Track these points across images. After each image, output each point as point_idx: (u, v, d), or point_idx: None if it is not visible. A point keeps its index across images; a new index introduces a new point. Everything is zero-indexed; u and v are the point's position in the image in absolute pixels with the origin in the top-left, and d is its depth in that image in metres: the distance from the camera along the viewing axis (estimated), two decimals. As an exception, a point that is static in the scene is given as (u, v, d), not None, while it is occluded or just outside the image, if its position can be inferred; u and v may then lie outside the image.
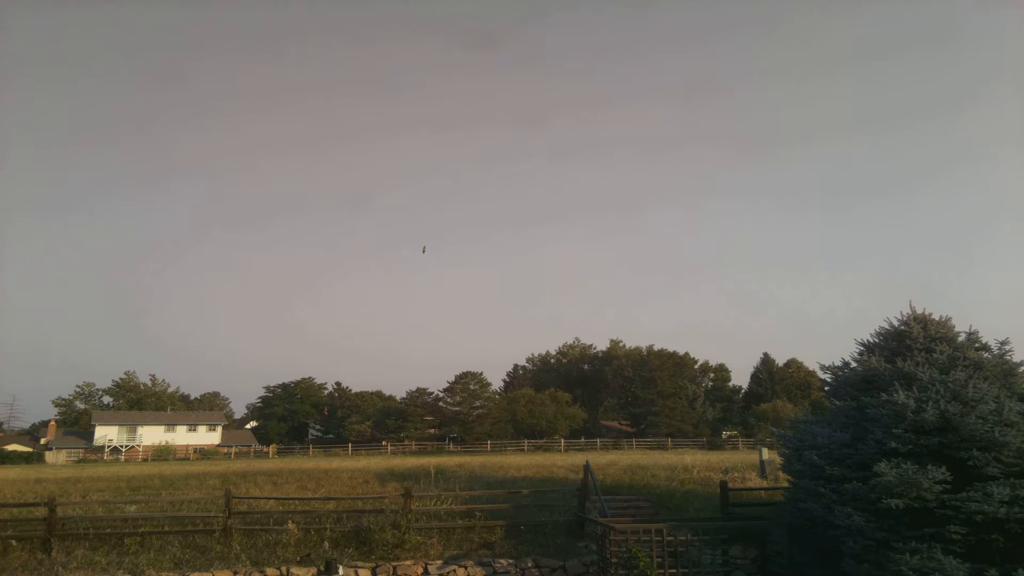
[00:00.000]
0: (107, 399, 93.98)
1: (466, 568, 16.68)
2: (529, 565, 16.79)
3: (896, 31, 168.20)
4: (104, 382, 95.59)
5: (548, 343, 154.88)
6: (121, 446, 78.22)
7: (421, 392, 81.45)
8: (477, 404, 78.59)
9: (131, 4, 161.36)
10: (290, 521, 18.33)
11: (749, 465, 27.78)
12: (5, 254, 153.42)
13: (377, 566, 16.53)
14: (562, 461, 35.48)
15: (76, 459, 72.34)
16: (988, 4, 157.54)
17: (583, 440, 72.69)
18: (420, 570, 16.59)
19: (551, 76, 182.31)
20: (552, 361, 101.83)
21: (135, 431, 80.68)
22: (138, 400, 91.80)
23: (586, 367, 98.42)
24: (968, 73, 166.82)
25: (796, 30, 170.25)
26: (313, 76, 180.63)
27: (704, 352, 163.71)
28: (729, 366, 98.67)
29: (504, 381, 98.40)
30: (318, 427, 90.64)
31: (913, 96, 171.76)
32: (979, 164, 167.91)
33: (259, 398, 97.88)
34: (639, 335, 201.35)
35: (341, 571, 15.57)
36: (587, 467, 20.21)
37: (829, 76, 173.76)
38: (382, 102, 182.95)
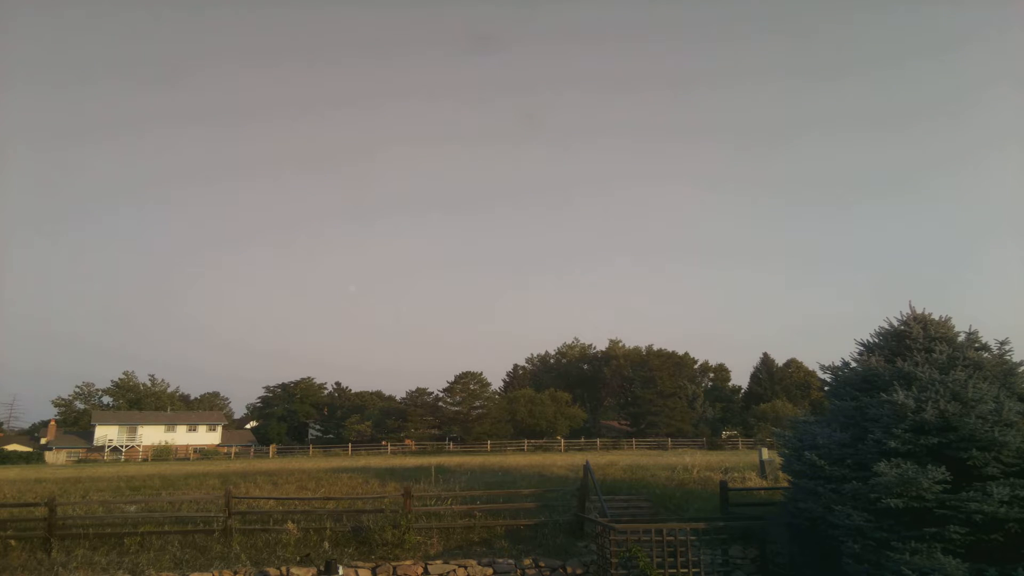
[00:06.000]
0: (107, 399, 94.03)
1: (466, 568, 16.67)
2: (529, 565, 16.79)
3: (899, 32, 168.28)
4: (104, 382, 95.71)
5: (548, 343, 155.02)
6: (121, 446, 78.23)
7: (421, 392, 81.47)
8: (477, 404, 78.64)
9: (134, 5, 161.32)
10: (290, 521, 18.34)
11: (749, 465, 27.79)
12: (5, 254, 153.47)
13: (377, 566, 16.53)
14: (562, 461, 35.54)
15: (76, 459, 72.39)
16: (990, 5, 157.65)
17: (583, 440, 72.73)
18: (420, 570, 16.59)
19: (551, 68, 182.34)
20: (552, 361, 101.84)
21: (135, 431, 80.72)
22: (138, 400, 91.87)
23: (586, 367, 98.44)
24: (969, 75, 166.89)
25: (801, 28, 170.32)
26: (308, 77, 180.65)
27: (704, 352, 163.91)
28: (729, 366, 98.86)
29: (504, 381, 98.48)
30: (318, 427, 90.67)
31: (915, 97, 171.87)
32: (980, 165, 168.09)
33: (259, 398, 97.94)
34: (638, 335, 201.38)
35: (341, 571, 15.56)
36: (587, 467, 20.21)
37: (832, 75, 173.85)
38: (383, 105, 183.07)
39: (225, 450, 75.31)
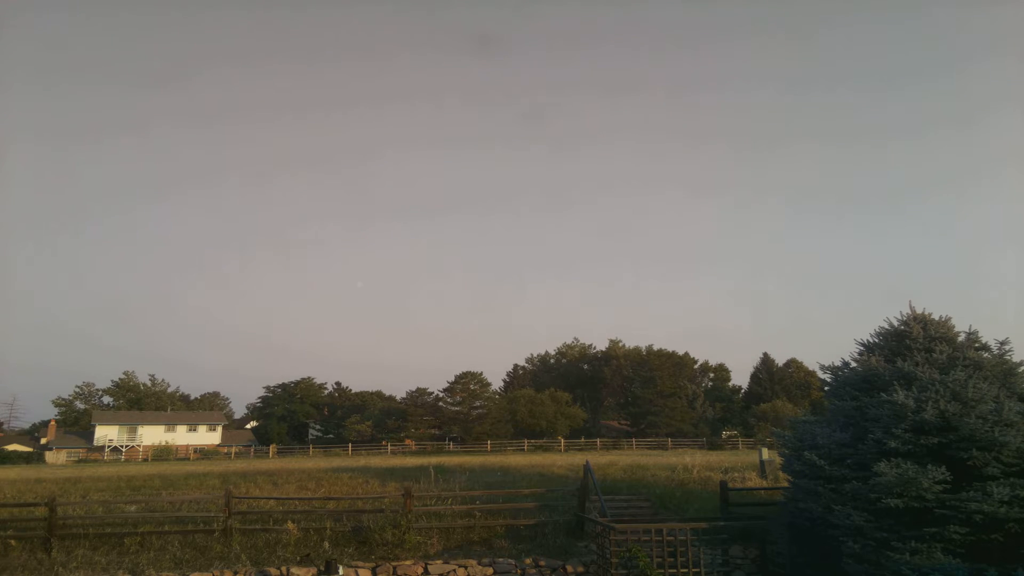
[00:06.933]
0: (107, 399, 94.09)
1: (466, 568, 16.67)
2: (529, 564, 16.80)
3: (903, 43, 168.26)
4: (104, 382, 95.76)
5: (548, 343, 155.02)
6: (121, 446, 78.28)
7: (421, 392, 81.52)
8: (477, 404, 78.66)
9: (137, 7, 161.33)
10: (290, 521, 18.35)
11: (749, 465, 27.79)
12: (5, 253, 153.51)
13: (377, 566, 16.54)
14: (562, 461, 35.54)
15: (76, 459, 72.42)
16: (993, 24, 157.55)
17: (583, 440, 72.72)
18: (420, 570, 16.60)
19: (552, 70, 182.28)
20: (552, 361, 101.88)
21: (135, 431, 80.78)
22: (138, 400, 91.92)
23: (586, 367, 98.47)
24: (974, 88, 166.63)
25: (803, 32, 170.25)
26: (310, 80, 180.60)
27: (704, 352, 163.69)
28: (729, 366, 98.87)
29: (504, 381, 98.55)
30: (318, 427, 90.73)
31: (919, 105, 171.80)
32: (981, 175, 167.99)
33: (259, 398, 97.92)
34: (638, 335, 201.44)
35: (341, 571, 15.57)
36: (587, 467, 20.22)
37: (835, 79, 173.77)
38: (386, 105, 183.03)
39: (225, 450, 75.33)
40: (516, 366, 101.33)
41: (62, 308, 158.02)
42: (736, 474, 24.91)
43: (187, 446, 78.31)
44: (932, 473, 12.48)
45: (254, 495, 21.15)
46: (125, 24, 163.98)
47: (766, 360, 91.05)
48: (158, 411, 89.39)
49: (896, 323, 15.48)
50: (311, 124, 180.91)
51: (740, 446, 65.84)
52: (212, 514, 18.74)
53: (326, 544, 17.32)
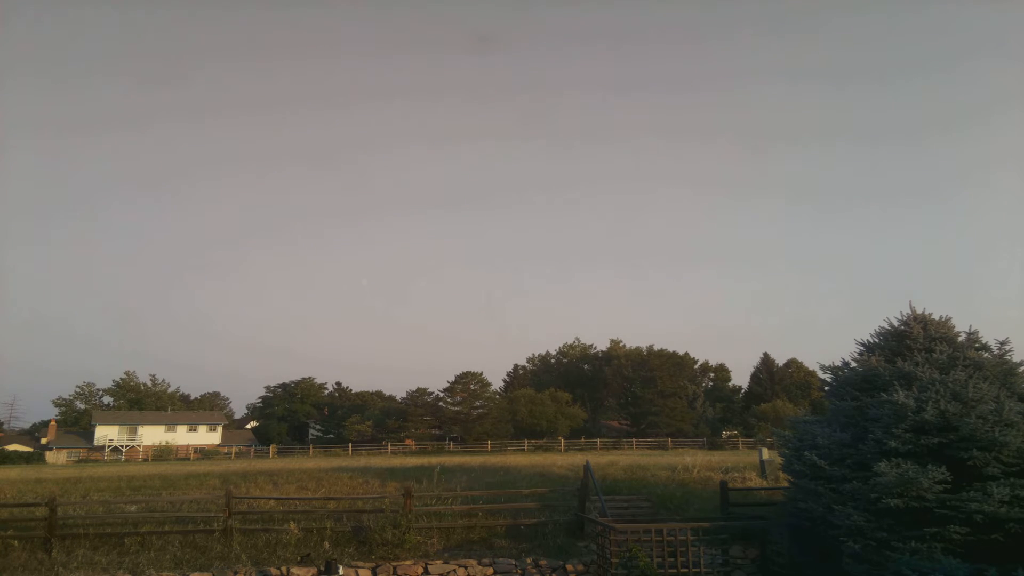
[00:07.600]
0: (107, 399, 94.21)
1: (466, 568, 16.68)
2: (529, 564, 16.81)
3: (902, 42, 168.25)
4: (104, 382, 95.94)
5: (548, 343, 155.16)
6: (121, 446, 78.36)
7: (421, 392, 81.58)
8: (477, 404, 78.75)
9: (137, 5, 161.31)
10: (290, 521, 18.36)
11: (749, 465, 27.79)
12: (5, 252, 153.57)
13: (377, 566, 16.55)
14: (562, 461, 35.53)
15: (76, 459, 72.51)
16: (994, 14, 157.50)
17: (583, 440, 72.75)
18: (420, 570, 16.60)
19: (552, 68, 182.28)
20: (552, 361, 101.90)
21: (135, 431, 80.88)
22: (138, 400, 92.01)
23: (586, 367, 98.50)
24: (975, 87, 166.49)
25: (805, 30, 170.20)
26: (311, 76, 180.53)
27: (704, 352, 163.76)
28: (729, 366, 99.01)
29: (504, 381, 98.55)
30: (318, 427, 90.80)
31: (919, 104, 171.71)
32: (985, 175, 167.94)
33: (259, 398, 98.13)
34: (639, 335, 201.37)
35: (341, 571, 15.58)
36: (587, 467, 20.23)
37: (838, 80, 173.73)
38: (388, 109, 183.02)
39: (225, 450, 75.40)
40: (516, 366, 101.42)
41: (62, 308, 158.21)
42: (736, 474, 24.90)
43: (187, 446, 78.37)
44: (932, 473, 12.48)
45: (254, 495, 21.16)
46: (124, 19, 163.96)
47: (766, 360, 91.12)
48: (158, 411, 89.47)
49: (896, 323, 15.48)
50: (313, 121, 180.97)
51: (740, 446, 65.88)
52: (212, 514, 18.76)
53: (326, 544, 17.34)
